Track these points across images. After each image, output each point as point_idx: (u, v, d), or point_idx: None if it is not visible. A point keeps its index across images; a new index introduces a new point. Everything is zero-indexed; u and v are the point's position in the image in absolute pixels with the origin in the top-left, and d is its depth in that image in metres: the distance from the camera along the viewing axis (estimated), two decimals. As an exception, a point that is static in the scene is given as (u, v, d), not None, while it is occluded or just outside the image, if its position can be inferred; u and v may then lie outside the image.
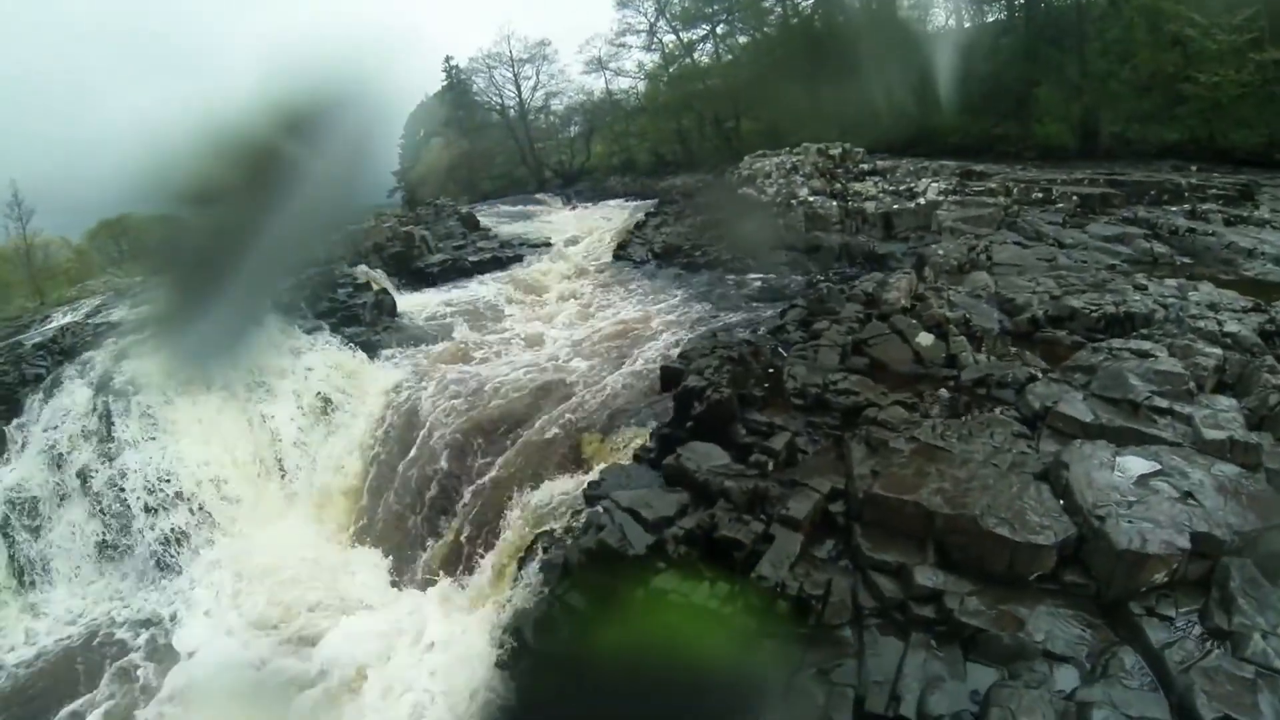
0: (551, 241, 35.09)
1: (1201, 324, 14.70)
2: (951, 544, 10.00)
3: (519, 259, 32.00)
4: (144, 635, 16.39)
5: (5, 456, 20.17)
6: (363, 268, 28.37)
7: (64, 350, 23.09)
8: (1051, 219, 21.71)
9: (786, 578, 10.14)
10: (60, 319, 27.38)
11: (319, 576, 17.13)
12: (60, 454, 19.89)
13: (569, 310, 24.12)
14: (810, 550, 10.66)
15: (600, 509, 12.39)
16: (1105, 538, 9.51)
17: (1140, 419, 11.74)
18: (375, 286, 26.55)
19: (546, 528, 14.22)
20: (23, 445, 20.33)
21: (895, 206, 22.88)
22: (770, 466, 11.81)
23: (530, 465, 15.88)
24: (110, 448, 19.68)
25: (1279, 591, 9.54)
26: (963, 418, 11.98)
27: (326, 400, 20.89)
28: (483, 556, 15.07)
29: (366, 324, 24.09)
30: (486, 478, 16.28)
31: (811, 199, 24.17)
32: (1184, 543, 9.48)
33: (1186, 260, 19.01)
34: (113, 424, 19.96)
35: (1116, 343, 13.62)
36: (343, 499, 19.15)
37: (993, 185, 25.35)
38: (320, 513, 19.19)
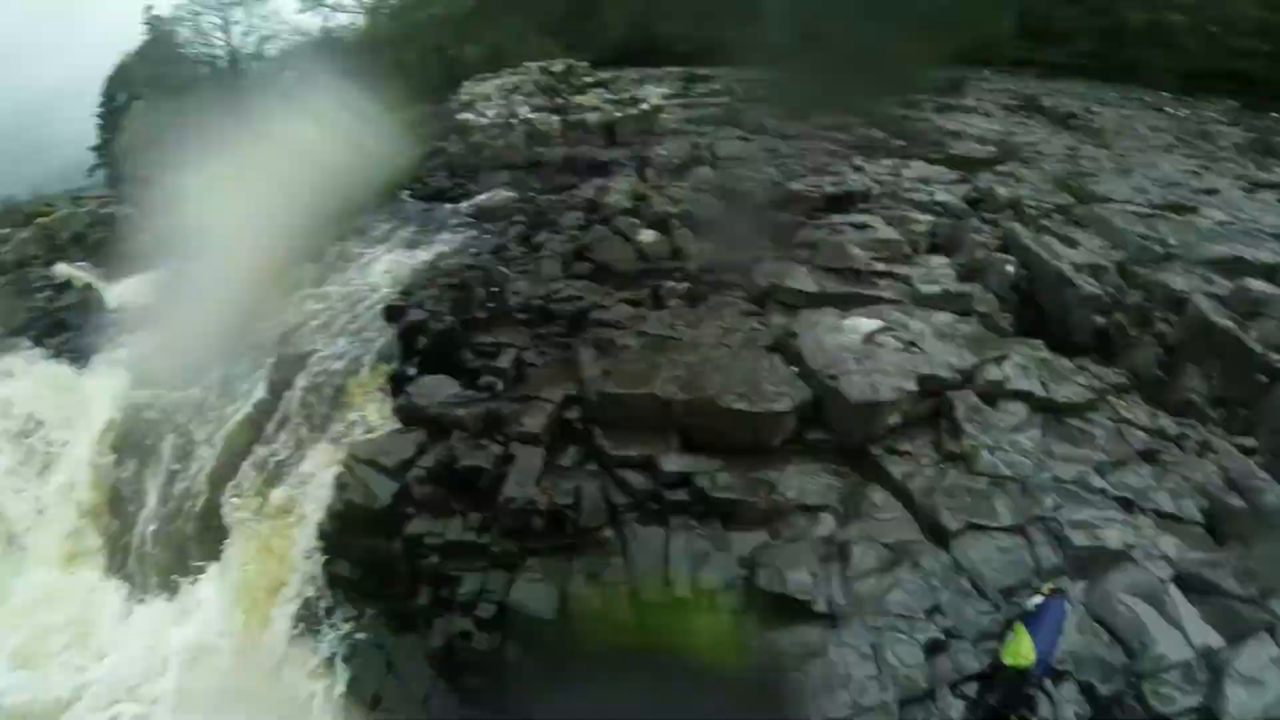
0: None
1: (914, 195, 15.37)
2: (693, 427, 9.83)
3: None
4: None
5: None
6: (61, 265, 24.67)
7: None
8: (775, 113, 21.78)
9: (535, 494, 9.61)
10: None
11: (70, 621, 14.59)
12: None
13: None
14: (554, 462, 10.14)
15: (340, 467, 11.34)
16: (840, 394, 9.76)
17: (863, 283, 12.02)
18: (79, 284, 23.09)
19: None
20: None
21: (618, 114, 22.22)
22: (500, 386, 11.01)
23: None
24: None
25: (998, 413, 10.40)
26: (696, 306, 11.74)
27: (38, 428, 17.38)
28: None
29: (75, 329, 20.68)
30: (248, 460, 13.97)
31: (532, 116, 23.14)
32: (911, 386, 10.07)
33: (901, 144, 19.58)
34: None
35: (837, 218, 13.86)
36: (83, 532, 16.09)
37: (717, 86, 25.38)
38: (65, 554, 16.00)
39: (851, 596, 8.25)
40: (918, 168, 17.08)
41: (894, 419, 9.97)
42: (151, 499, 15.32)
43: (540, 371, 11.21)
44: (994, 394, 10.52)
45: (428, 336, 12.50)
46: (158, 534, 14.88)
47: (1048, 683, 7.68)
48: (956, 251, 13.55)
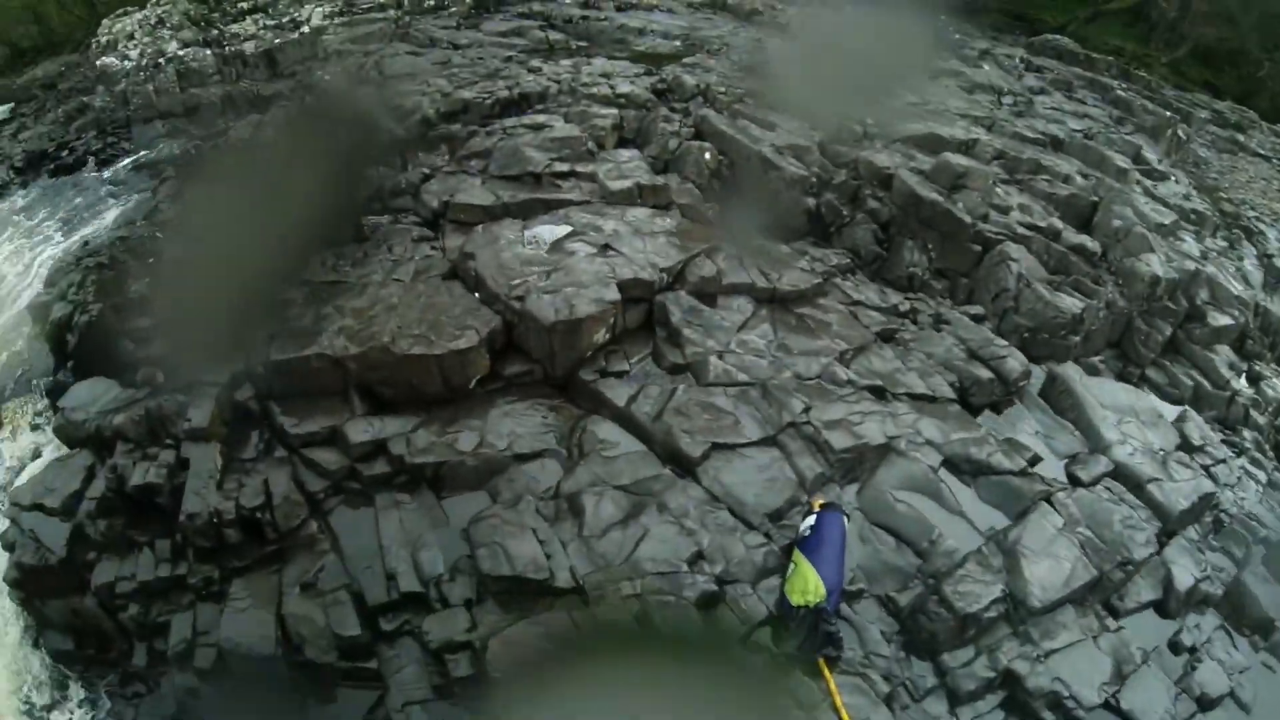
0: None
1: (595, 90, 14.60)
2: (374, 383, 8.76)
3: None
4: None
5: None
6: None
7: None
8: (445, 24, 20.56)
9: (218, 502, 8.29)
10: None
11: None
12: None
13: None
14: (236, 456, 8.81)
15: (8, 521, 9.62)
16: (531, 316, 8.82)
17: (544, 188, 11.15)
18: None
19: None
20: None
21: (278, 40, 20.18)
22: (160, 377, 9.51)
23: None
24: None
25: (720, 312, 9.76)
26: (360, 243, 10.57)
27: None
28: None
29: None
30: None
31: (182, 53, 20.62)
32: (613, 294, 9.13)
33: (582, 44, 18.84)
34: None
35: (509, 121, 12.96)
36: None
37: (382, 1, 23.22)
38: None
39: (597, 559, 7.29)
40: (599, 64, 16.38)
41: (600, 335, 9.10)
42: None
43: (200, 351, 9.53)
44: (710, 291, 9.91)
45: (75, 333, 10.82)
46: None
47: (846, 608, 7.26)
48: (648, 144, 13.10)
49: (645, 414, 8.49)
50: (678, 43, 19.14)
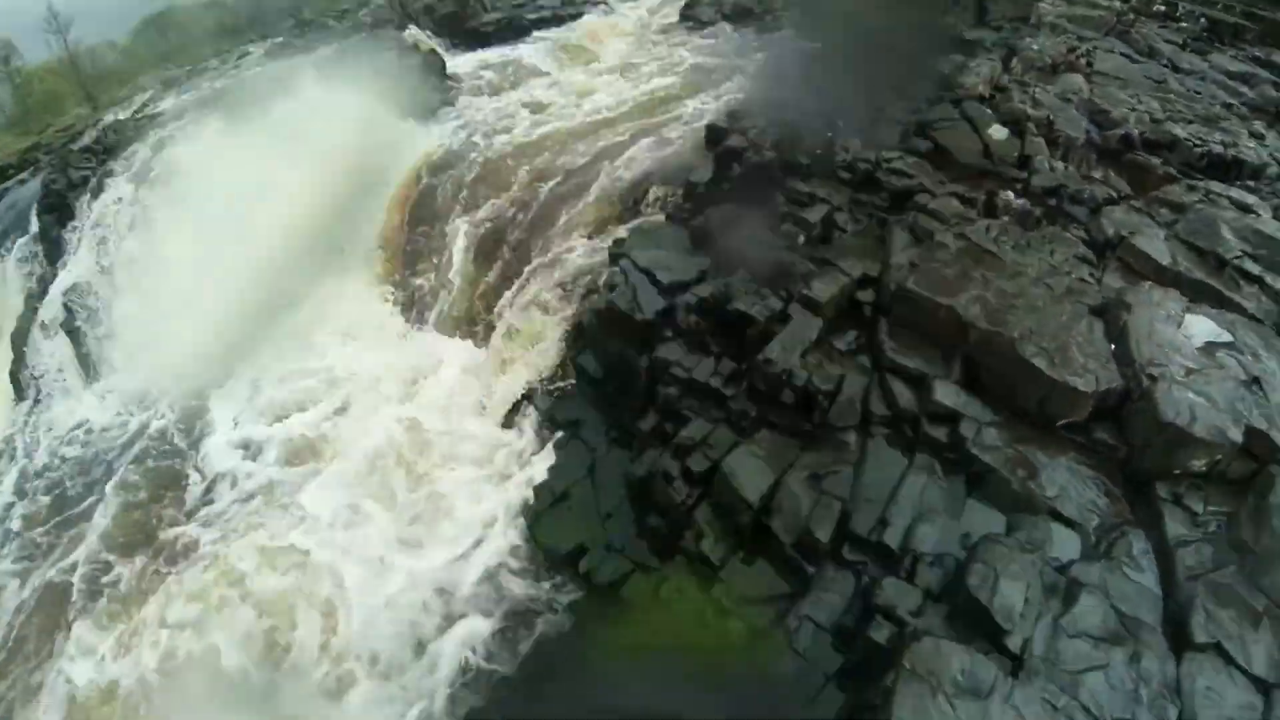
0: (618, -4, 30.08)
1: None
2: (981, 363, 8.20)
3: (579, 16, 26.97)
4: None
5: (63, 260, 18.39)
6: (411, 30, 24.88)
7: (107, 149, 20.71)
8: (1170, 38, 17.77)
9: (796, 365, 8.51)
10: (107, 119, 24.63)
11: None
12: (108, 247, 17.95)
13: (620, 67, 20.68)
14: (828, 339, 8.91)
15: (618, 268, 10.78)
16: (1152, 401, 7.57)
17: (1223, 279, 9.25)
18: (423, 48, 23.15)
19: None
20: (77, 247, 18.43)
21: None
22: (801, 240, 9.85)
23: (564, 221, 13.87)
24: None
25: None
26: (1024, 227, 9.76)
27: (365, 163, 17.90)
28: (504, 313, 13.36)
29: (410, 86, 20.61)
30: (517, 232, 14.27)
31: None
32: (1236, 435, 7.43)
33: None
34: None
35: (1217, 187, 10.88)
36: (380, 253, 16.94)
37: None
38: (365, 269, 16.93)
39: (1051, 651, 6.27)
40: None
41: (1198, 463, 7.47)
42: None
43: (846, 239, 9.90)
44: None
45: (743, 165, 11.52)
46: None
47: None
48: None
49: (1184, 566, 6.83)
50: None
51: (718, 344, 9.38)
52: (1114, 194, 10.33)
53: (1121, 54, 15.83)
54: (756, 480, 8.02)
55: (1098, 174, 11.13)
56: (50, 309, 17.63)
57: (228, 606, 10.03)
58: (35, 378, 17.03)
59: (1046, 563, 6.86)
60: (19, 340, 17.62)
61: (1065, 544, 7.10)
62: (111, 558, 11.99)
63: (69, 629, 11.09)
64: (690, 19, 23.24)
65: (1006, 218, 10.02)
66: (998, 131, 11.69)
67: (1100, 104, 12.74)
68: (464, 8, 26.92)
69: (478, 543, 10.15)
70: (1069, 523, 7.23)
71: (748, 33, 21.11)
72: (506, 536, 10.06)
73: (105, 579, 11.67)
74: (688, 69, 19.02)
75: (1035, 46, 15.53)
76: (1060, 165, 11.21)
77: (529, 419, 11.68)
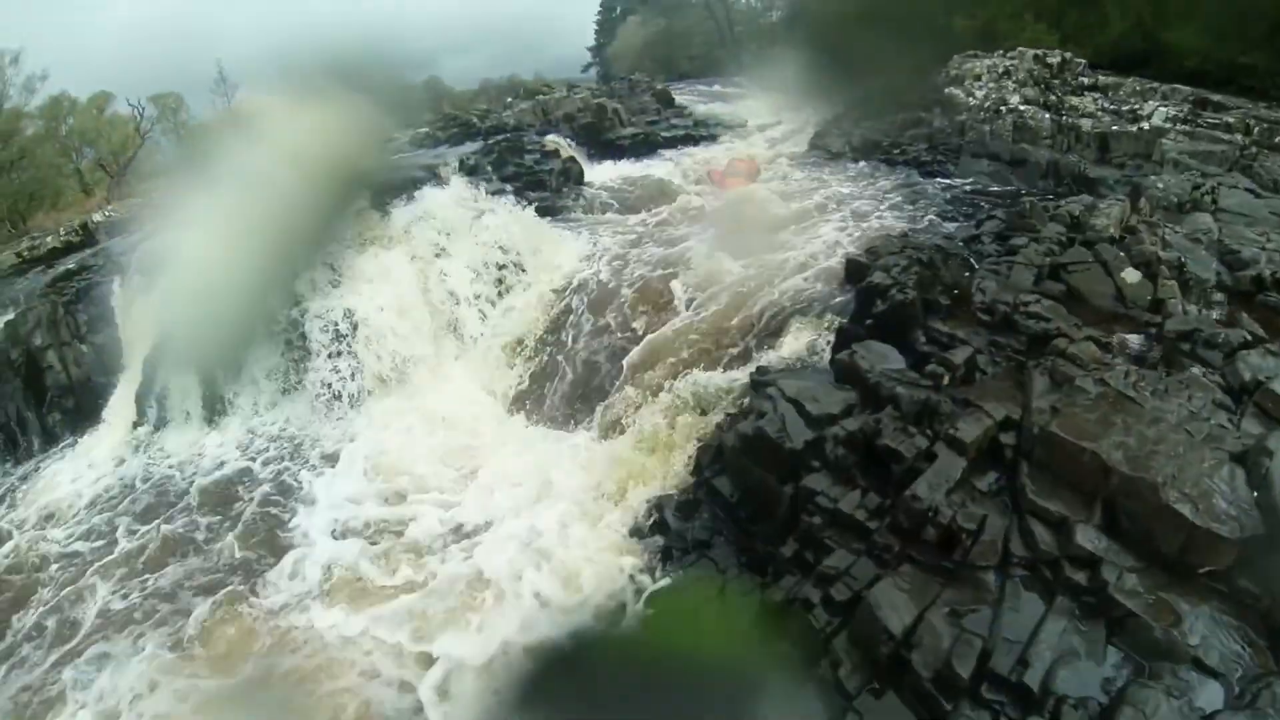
0: (747, 124, 31.73)
1: None
2: (1123, 508, 8.43)
3: (713, 138, 29.27)
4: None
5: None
6: (552, 136, 26.98)
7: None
8: None
9: (941, 503, 8.95)
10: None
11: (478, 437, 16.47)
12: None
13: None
14: (970, 480, 9.31)
15: (765, 395, 11.46)
16: None
17: None
18: (563, 154, 25.01)
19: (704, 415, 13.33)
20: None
21: (1114, 128, 19.60)
22: (946, 380, 10.46)
23: (702, 347, 14.77)
24: (292, 296, 18.93)
25: None
26: (1159, 371, 10.09)
27: (505, 262, 19.63)
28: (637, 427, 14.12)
29: (552, 190, 22.71)
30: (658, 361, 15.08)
31: (1022, 108, 21.24)
32: None
33: None
34: (297, 275, 19.04)
35: None
36: (511, 366, 18.05)
37: (1230, 120, 20.94)
38: (489, 377, 18.13)
39: None
40: None
41: None
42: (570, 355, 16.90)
43: (989, 382, 10.46)
44: None
45: (886, 303, 12.16)
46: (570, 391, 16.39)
47: None
48: None
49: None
50: None
51: (864, 479, 9.93)
52: (1248, 337, 10.54)
53: (1247, 189, 15.96)
54: (900, 613, 8.35)
55: (1231, 317, 11.35)
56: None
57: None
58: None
59: (1193, 709, 6.99)
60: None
61: (1209, 693, 7.13)
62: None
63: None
64: (820, 148, 24.66)
65: (1140, 361, 10.41)
66: (1130, 275, 12.08)
67: (1229, 243, 13.01)
68: (602, 120, 29.15)
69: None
70: (1213, 673, 7.26)
71: (876, 165, 22.24)
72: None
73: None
74: (819, 200, 20.07)
75: (1160, 185, 15.97)
76: (1193, 309, 11.52)
77: (653, 536, 12.23)
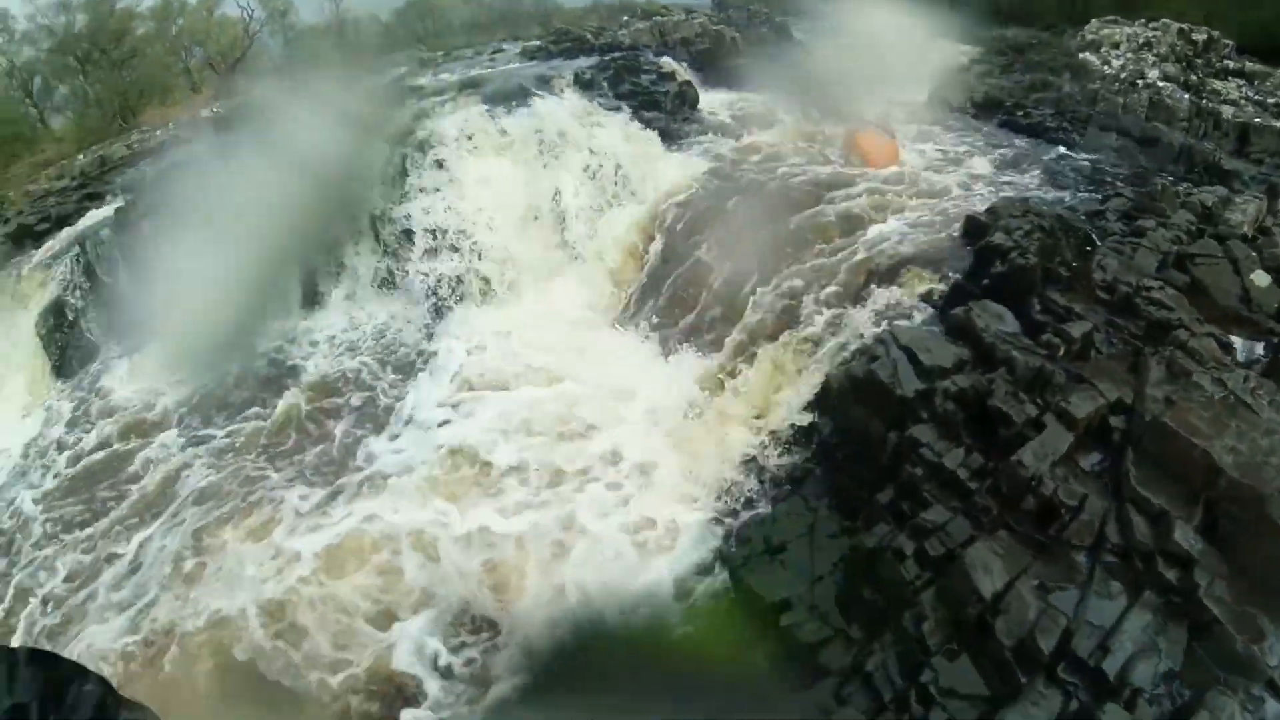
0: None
1: None
2: (1225, 512, 8.32)
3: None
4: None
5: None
6: (668, 59, 26.48)
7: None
8: None
9: (1045, 474, 8.96)
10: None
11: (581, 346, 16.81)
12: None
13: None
14: (1075, 456, 9.26)
15: (878, 340, 11.46)
16: None
17: None
18: (679, 78, 24.56)
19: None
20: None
21: (1257, 120, 18.42)
22: (1061, 352, 10.36)
23: (819, 282, 14.60)
24: (399, 194, 19.52)
25: None
26: (1275, 382, 9.80)
27: (617, 178, 19.56)
28: (749, 366, 14.13)
29: (666, 112, 22.41)
30: (771, 286, 14.95)
31: (1161, 84, 20.03)
32: None
33: None
34: (406, 173, 19.61)
35: None
36: (616, 275, 18.22)
37: None
38: (591, 284, 18.37)
39: None
40: None
41: None
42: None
43: (1104, 361, 10.35)
44: None
45: (1006, 265, 11.98)
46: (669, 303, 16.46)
47: None
48: None
49: None
50: None
51: (970, 436, 9.95)
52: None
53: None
54: (993, 577, 8.49)
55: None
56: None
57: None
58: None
59: (1261, 733, 7.04)
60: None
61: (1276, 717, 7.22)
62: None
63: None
64: (941, 100, 23.67)
65: (1259, 369, 10.23)
66: (1260, 278, 11.73)
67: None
68: (719, 47, 28.46)
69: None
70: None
71: (997, 125, 21.45)
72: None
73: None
74: (938, 155, 19.51)
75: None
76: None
77: (754, 466, 12.50)
